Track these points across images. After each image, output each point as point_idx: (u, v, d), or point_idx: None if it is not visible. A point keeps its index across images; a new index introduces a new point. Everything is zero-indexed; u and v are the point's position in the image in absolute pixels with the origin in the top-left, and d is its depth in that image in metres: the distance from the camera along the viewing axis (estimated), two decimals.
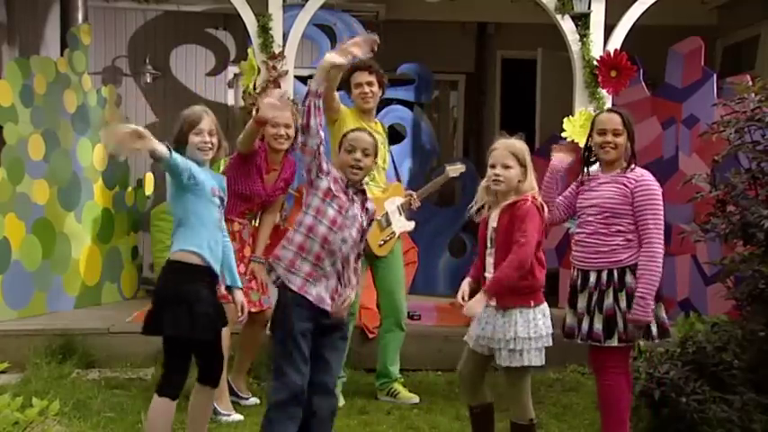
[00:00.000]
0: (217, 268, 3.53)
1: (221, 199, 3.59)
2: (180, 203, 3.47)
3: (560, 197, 3.96)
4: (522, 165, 3.48)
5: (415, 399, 4.82)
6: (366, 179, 4.70)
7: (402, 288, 4.94)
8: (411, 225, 4.97)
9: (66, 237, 6.26)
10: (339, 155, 3.51)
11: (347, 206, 3.41)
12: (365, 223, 3.51)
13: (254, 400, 4.72)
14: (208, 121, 3.54)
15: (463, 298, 3.53)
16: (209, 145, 3.53)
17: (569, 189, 3.96)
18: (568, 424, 4.45)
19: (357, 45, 3.57)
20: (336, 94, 4.68)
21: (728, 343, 4.11)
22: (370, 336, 5.39)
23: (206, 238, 3.47)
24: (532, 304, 3.45)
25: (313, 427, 3.42)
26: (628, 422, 3.76)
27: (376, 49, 3.69)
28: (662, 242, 3.63)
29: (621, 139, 3.73)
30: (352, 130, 3.58)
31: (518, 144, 3.52)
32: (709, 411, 3.82)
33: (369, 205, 3.57)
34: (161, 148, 3.26)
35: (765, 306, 4.03)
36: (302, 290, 3.34)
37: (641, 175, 3.71)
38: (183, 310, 3.37)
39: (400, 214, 4.91)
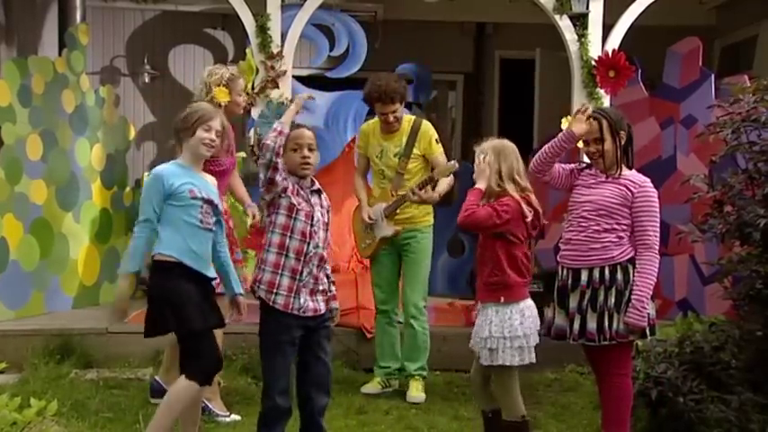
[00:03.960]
0: (206, 270, 3.54)
1: (204, 200, 3.54)
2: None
3: (559, 165, 3.92)
4: (498, 161, 3.62)
5: (420, 399, 4.77)
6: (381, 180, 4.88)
7: (413, 284, 4.88)
8: (389, 231, 4.88)
9: (65, 237, 6.26)
10: (286, 155, 3.54)
11: (311, 212, 3.53)
12: (326, 218, 3.63)
13: None
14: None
15: None
16: (214, 144, 3.61)
17: (565, 166, 3.93)
18: (567, 424, 4.45)
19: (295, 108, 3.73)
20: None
21: (726, 343, 4.12)
22: (369, 336, 5.38)
23: (185, 241, 3.47)
24: (502, 300, 3.49)
25: (307, 419, 3.63)
26: (629, 423, 3.77)
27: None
28: (658, 247, 3.66)
29: (604, 146, 3.70)
30: (292, 128, 3.59)
31: (498, 143, 3.73)
32: (706, 411, 3.82)
33: (324, 201, 3.66)
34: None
35: (763, 306, 4.04)
36: (287, 307, 3.49)
37: (643, 180, 3.71)
38: (178, 307, 3.43)
39: (381, 220, 4.88)
